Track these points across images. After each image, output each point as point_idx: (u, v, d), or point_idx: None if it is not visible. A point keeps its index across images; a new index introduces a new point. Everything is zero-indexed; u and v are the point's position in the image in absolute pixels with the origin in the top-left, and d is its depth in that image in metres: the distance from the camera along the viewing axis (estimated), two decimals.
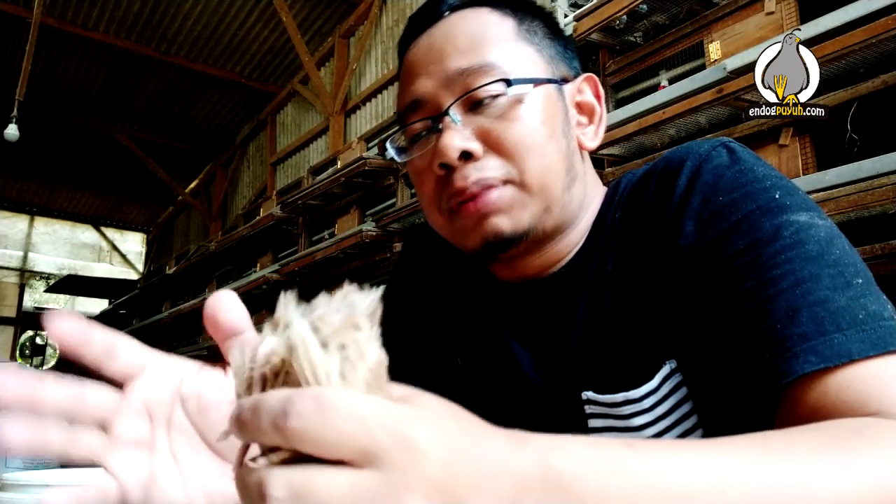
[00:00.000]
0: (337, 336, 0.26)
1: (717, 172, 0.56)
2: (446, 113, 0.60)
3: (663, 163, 0.61)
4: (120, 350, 0.38)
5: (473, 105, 0.60)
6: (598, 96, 0.68)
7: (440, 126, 0.61)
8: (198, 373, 0.39)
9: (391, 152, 0.67)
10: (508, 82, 0.59)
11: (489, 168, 0.59)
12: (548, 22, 0.67)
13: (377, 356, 0.27)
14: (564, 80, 0.65)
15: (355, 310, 0.27)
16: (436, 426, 0.26)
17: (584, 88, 0.68)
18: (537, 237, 0.61)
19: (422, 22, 0.65)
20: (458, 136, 0.59)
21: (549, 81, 0.62)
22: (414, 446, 0.25)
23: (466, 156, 0.59)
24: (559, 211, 0.62)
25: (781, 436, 0.36)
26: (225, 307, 0.38)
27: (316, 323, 0.26)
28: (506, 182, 0.59)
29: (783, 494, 0.32)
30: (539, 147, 0.60)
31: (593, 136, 0.67)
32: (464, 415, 0.29)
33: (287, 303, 0.28)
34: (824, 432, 0.38)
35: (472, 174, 0.59)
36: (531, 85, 0.61)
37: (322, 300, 0.28)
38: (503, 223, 0.59)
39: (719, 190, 0.55)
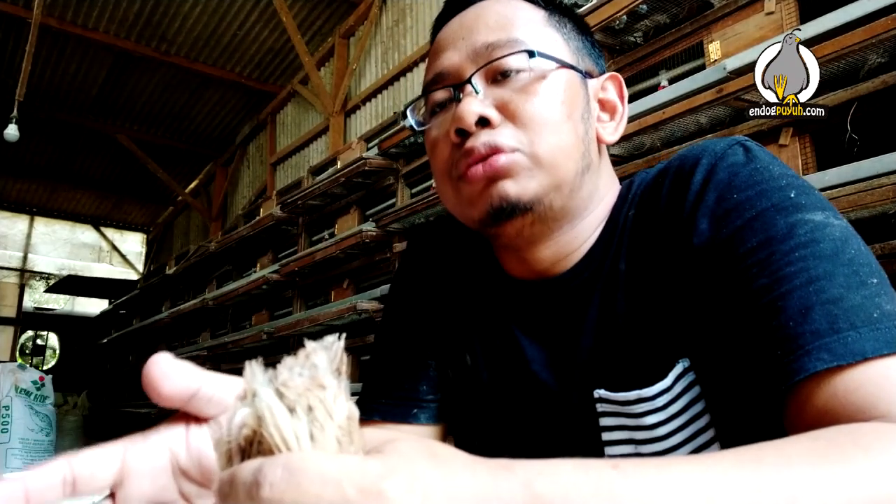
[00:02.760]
0: (303, 399, 0.27)
1: (732, 170, 0.56)
2: (468, 81, 0.61)
3: (678, 161, 0.61)
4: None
5: (496, 78, 0.62)
6: (621, 96, 0.69)
7: (461, 95, 0.62)
8: (186, 439, 0.37)
9: (410, 121, 0.68)
10: (531, 54, 0.61)
11: (502, 135, 0.59)
12: (577, 19, 0.69)
13: (346, 411, 0.28)
14: (588, 75, 0.66)
15: (318, 369, 0.28)
16: (407, 475, 0.26)
17: (609, 86, 0.69)
18: (543, 213, 0.61)
19: (456, 5, 0.67)
20: (476, 102, 0.60)
21: (572, 68, 0.64)
22: (385, 499, 0.25)
23: (484, 122, 0.60)
24: (569, 192, 0.62)
25: (775, 447, 0.35)
26: (164, 374, 0.35)
27: (281, 389, 0.27)
28: (516, 150, 0.59)
29: None
30: (555, 124, 0.60)
31: (613, 131, 0.68)
32: (444, 452, 0.29)
33: (253, 372, 0.28)
34: (820, 441, 0.37)
35: (483, 137, 0.59)
36: (554, 64, 0.62)
37: (286, 363, 0.28)
38: (509, 187, 0.59)
39: (734, 187, 0.55)
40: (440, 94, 0.65)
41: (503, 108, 0.60)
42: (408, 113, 0.68)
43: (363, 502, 0.25)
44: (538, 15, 0.65)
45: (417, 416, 0.72)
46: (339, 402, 0.28)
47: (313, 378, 0.27)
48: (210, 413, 0.36)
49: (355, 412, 0.28)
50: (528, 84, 0.60)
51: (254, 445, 0.27)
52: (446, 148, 0.63)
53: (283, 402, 0.27)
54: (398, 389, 0.73)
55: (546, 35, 0.64)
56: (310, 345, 0.29)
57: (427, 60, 0.69)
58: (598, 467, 0.30)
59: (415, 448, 0.28)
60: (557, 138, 0.60)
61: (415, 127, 0.67)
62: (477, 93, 0.61)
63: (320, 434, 0.27)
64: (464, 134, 0.60)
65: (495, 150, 0.59)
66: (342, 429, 0.27)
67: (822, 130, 1.85)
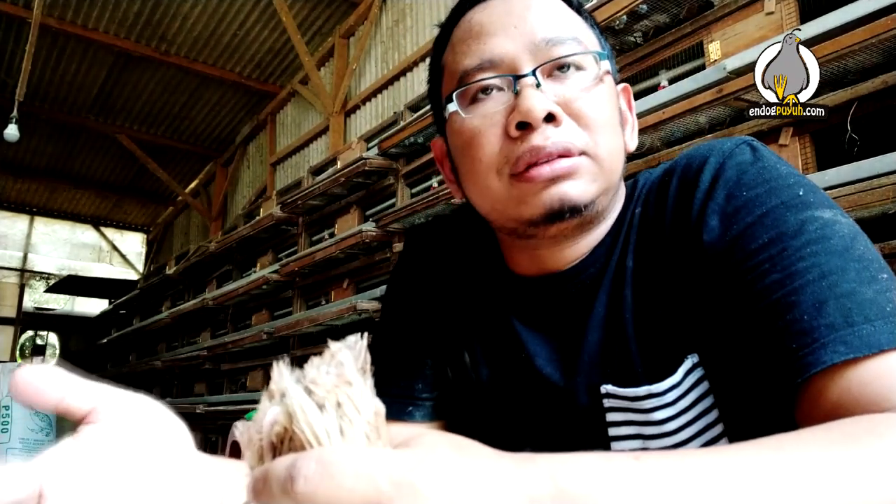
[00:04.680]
0: (331, 396, 0.28)
1: (740, 168, 0.57)
2: (533, 74, 0.60)
3: (685, 160, 0.61)
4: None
5: (553, 74, 0.61)
6: (630, 107, 0.70)
7: (517, 87, 0.60)
8: (92, 436, 0.36)
9: (455, 107, 0.63)
10: (599, 55, 0.61)
11: (571, 135, 0.59)
12: (598, 26, 0.69)
13: (373, 407, 0.29)
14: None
15: (345, 367, 0.29)
16: (437, 467, 0.26)
17: (621, 97, 0.69)
18: (591, 215, 0.61)
19: None
20: (543, 97, 0.58)
21: (612, 75, 0.64)
22: (417, 491, 0.25)
23: (549, 118, 0.59)
24: (612, 196, 0.63)
25: (791, 437, 0.36)
26: (37, 380, 0.35)
27: (310, 387, 0.28)
28: (582, 153, 0.59)
29: (790, 495, 0.32)
30: (612, 128, 0.61)
31: (630, 141, 0.69)
32: (470, 446, 0.30)
33: (281, 372, 0.29)
34: (835, 431, 0.37)
35: (553, 135, 0.58)
36: (608, 67, 0.63)
37: (313, 363, 0.29)
38: (573, 188, 0.58)
39: (743, 185, 0.55)
40: (491, 82, 0.62)
41: (565, 106, 0.59)
42: (454, 97, 0.63)
43: (396, 493, 0.25)
44: (576, 17, 0.65)
45: (413, 413, 0.72)
46: (366, 398, 0.28)
47: (340, 375, 0.28)
48: (82, 413, 0.37)
49: (381, 408, 0.29)
50: (591, 85, 0.60)
51: (285, 442, 0.28)
52: (497, 140, 0.60)
53: (313, 399, 0.28)
54: (393, 387, 0.73)
55: (591, 37, 0.64)
56: (334, 344, 0.30)
57: (458, 41, 0.65)
58: (621, 458, 0.31)
59: (442, 441, 0.29)
60: (613, 142, 0.61)
61: (461, 113, 0.63)
62: (538, 86, 0.59)
63: (350, 429, 0.28)
64: (524, 127, 0.58)
65: (565, 153, 0.58)
66: (370, 424, 0.28)
67: (822, 130, 1.85)
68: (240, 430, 0.30)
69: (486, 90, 0.62)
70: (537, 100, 0.58)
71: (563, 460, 0.30)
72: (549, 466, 0.29)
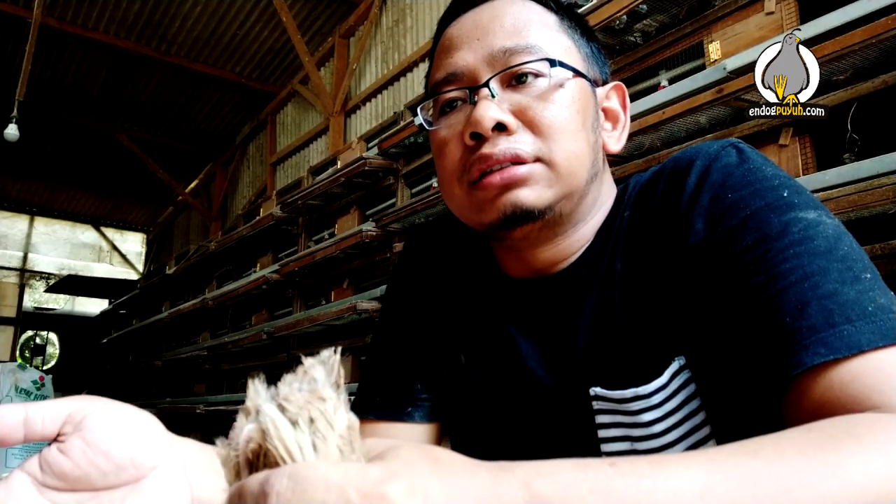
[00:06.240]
0: (304, 412, 0.28)
1: (726, 171, 0.57)
2: (486, 85, 0.61)
3: (672, 163, 0.62)
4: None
5: (512, 83, 0.62)
6: (623, 105, 0.70)
7: (476, 98, 0.61)
8: (38, 459, 0.39)
9: (420, 119, 0.67)
10: (552, 62, 0.61)
11: (521, 142, 0.60)
12: (585, 25, 0.69)
13: (346, 421, 0.29)
14: (595, 83, 0.67)
15: (317, 383, 0.29)
16: (408, 479, 0.27)
17: (612, 96, 0.70)
18: (554, 219, 0.62)
19: (467, 1, 0.67)
20: (494, 107, 0.60)
21: (584, 77, 0.64)
22: (388, 502, 0.26)
23: (500, 128, 0.60)
24: (578, 200, 0.63)
25: (770, 440, 0.36)
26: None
27: (283, 404, 0.29)
28: (536, 159, 0.60)
29: (767, 499, 0.32)
30: (572, 133, 0.61)
31: (616, 141, 0.69)
32: (444, 456, 0.30)
33: (256, 389, 0.30)
34: (813, 433, 0.37)
35: (501, 143, 0.59)
36: (570, 73, 0.63)
37: (286, 380, 0.30)
38: (525, 195, 0.59)
39: (728, 187, 0.56)
40: (452, 94, 0.64)
41: (520, 115, 0.61)
42: (418, 111, 0.68)
43: None
44: (551, 19, 0.65)
45: (412, 414, 0.72)
46: (340, 412, 0.29)
47: (313, 391, 0.29)
48: (51, 433, 0.39)
49: (355, 422, 0.29)
50: (546, 92, 0.61)
51: (260, 458, 0.28)
52: (457, 150, 0.63)
53: (286, 415, 0.28)
54: (393, 388, 0.73)
55: (560, 41, 0.64)
56: (307, 360, 0.30)
57: (435, 55, 0.68)
58: (596, 466, 0.31)
59: (415, 453, 0.29)
60: (574, 146, 0.61)
61: (425, 126, 0.67)
62: (493, 97, 0.61)
63: (322, 444, 0.28)
64: (479, 137, 0.60)
65: (515, 159, 0.59)
66: (343, 438, 0.29)
67: (822, 130, 1.85)
68: (217, 448, 0.30)
69: (453, 102, 0.64)
70: (487, 110, 0.59)
71: (538, 468, 0.30)
72: (524, 474, 0.29)
